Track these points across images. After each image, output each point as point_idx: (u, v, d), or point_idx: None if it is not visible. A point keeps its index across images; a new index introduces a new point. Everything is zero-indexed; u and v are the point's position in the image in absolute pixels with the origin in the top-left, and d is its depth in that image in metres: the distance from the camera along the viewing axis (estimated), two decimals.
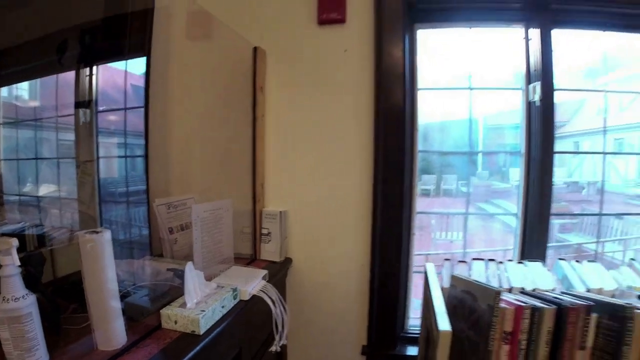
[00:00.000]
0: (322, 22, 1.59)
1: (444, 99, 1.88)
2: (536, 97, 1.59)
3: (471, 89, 1.77)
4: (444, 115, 2.10)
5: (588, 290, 1.18)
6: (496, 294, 0.95)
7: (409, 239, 1.73)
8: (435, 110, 1.99)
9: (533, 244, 1.65)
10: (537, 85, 1.60)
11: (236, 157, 1.70)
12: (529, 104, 1.63)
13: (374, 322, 1.68)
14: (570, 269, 1.31)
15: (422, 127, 1.75)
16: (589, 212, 5.11)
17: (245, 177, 1.65)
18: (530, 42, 1.69)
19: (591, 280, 1.23)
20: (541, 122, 1.59)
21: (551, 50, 1.66)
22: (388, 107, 1.56)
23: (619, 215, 4.42)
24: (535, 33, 1.67)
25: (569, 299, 1.04)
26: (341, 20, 1.58)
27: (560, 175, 6.95)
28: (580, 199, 6.57)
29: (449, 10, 1.66)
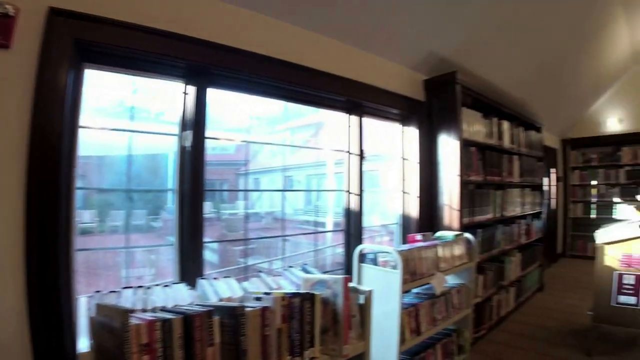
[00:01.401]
0: None
1: (110, 136, 2.02)
2: (188, 143, 1.95)
3: (133, 131, 1.98)
4: (113, 151, 2.22)
5: (220, 300, 1.55)
6: (124, 313, 1.15)
7: (70, 278, 1.74)
8: (106, 146, 2.11)
9: (189, 269, 1.98)
10: (190, 133, 1.97)
11: None
12: (182, 148, 1.98)
13: None
14: (209, 286, 1.67)
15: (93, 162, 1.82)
16: (266, 236, 6.15)
17: None
18: (187, 96, 2.06)
19: (224, 292, 1.62)
20: (191, 164, 1.95)
21: (205, 105, 2.09)
22: (43, 143, 1.55)
23: (288, 237, 5.61)
24: (192, 89, 2.06)
25: (196, 309, 1.35)
26: (5, 46, 1.48)
27: (244, 207, 8.10)
28: (260, 227, 7.88)
29: (118, 57, 1.82)
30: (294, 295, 1.51)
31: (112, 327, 1.22)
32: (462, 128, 3.37)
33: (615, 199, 7.58)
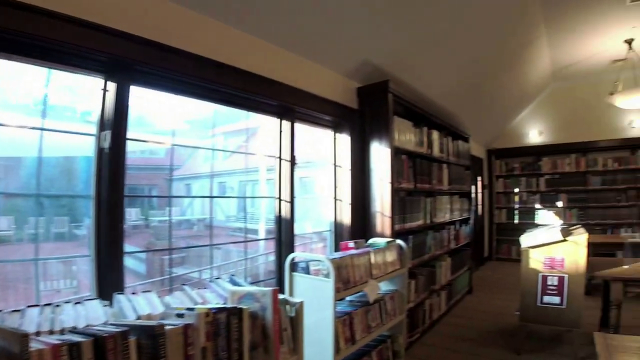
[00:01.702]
0: None
1: (19, 135, 1.83)
2: (106, 144, 1.82)
3: (44, 130, 1.81)
4: (23, 152, 2.03)
5: (138, 318, 1.43)
6: (22, 337, 1.03)
7: None
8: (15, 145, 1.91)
9: (108, 282, 1.83)
10: (108, 134, 1.83)
11: None
12: (101, 150, 1.84)
13: None
14: (127, 302, 1.55)
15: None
16: (194, 245, 5.94)
17: None
18: (107, 93, 1.92)
19: (143, 308, 1.51)
20: (110, 167, 1.82)
21: (127, 104, 1.96)
22: None
23: (219, 245, 5.45)
24: (112, 86, 1.92)
25: (110, 329, 1.23)
26: None
27: (174, 213, 7.80)
28: (191, 235, 7.61)
29: (28, 45, 1.64)
30: (220, 310, 1.42)
31: (10, 352, 1.09)
32: (394, 136, 3.46)
33: (537, 205, 8.21)
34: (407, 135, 3.74)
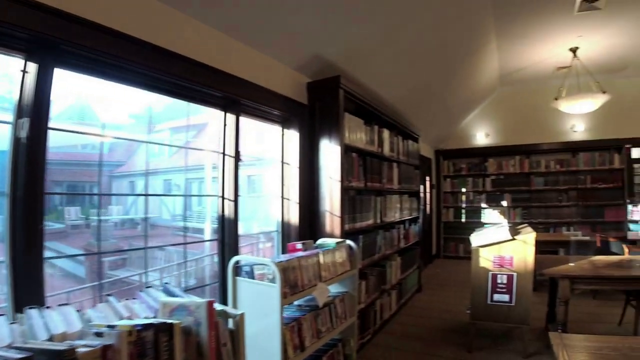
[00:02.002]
0: None
1: None
2: (23, 133, 1.62)
3: None
4: None
5: (51, 338, 1.22)
6: None
7: None
8: None
9: (25, 292, 1.62)
10: (26, 122, 1.63)
11: None
12: (17, 140, 1.63)
13: None
14: (39, 318, 1.33)
15: None
16: (136, 247, 5.64)
17: None
18: (27, 75, 1.71)
19: (57, 326, 1.29)
20: (28, 160, 1.62)
21: (50, 88, 1.75)
22: None
23: (163, 246, 5.20)
24: (33, 67, 1.71)
25: (10, 355, 1.02)
26: None
27: (118, 212, 7.40)
28: (135, 234, 7.23)
29: None
30: (146, 327, 1.23)
31: None
32: (345, 134, 3.41)
33: (483, 205, 8.51)
34: (357, 134, 3.71)
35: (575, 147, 7.94)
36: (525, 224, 4.15)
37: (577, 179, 7.91)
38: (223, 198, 2.81)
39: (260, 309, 2.12)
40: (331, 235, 3.27)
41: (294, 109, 3.34)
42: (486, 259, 3.49)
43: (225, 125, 2.82)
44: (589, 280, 3.32)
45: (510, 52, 6.18)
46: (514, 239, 3.39)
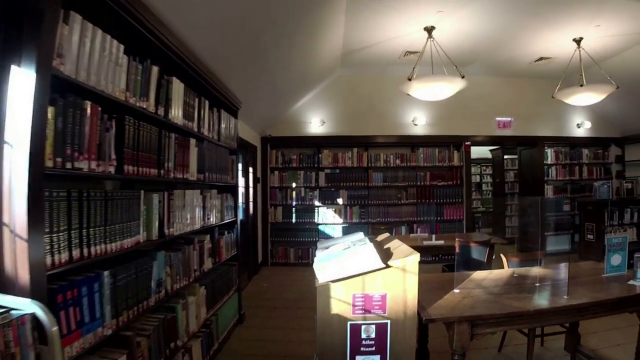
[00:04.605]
0: None
1: None
2: None
3: None
4: None
5: None
6: None
7: None
8: None
9: None
10: None
11: None
12: None
13: None
14: None
15: None
16: None
17: None
18: None
19: None
20: None
21: None
22: None
23: None
24: None
25: None
26: None
27: None
28: None
29: None
30: None
31: None
32: (58, 52, 1.54)
33: (316, 203, 7.34)
34: (105, 68, 1.86)
35: (415, 142, 7.52)
36: (386, 232, 2.89)
37: (417, 175, 7.41)
38: None
39: None
40: (11, 283, 1.39)
41: None
42: (341, 301, 2.02)
43: None
44: (499, 320, 2.18)
45: (358, 24, 5.08)
46: (387, 267, 2.00)
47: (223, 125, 3.74)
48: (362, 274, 1.94)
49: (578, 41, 5.53)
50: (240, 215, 5.46)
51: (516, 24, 5.11)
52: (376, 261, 1.93)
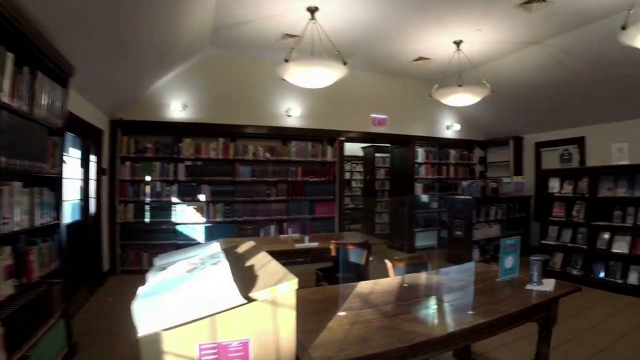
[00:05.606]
0: None
1: None
2: None
3: None
4: None
5: None
6: None
7: None
8: None
9: None
10: None
11: None
12: None
13: None
14: None
15: None
16: None
17: None
18: None
19: None
20: None
21: None
22: None
23: None
24: None
25: None
26: None
27: None
28: None
29: None
30: None
31: None
32: None
33: (174, 199, 6.37)
34: None
35: (288, 135, 7.04)
36: (252, 242, 2.27)
37: (288, 170, 6.93)
38: None
39: None
40: None
41: None
42: (180, 357, 1.31)
43: None
44: (402, 355, 1.72)
45: None
46: (248, 301, 1.35)
47: (43, 96, 2.72)
48: (210, 315, 1.27)
49: (458, 43, 5.59)
50: (72, 216, 4.35)
51: (400, 16, 4.93)
52: (232, 294, 1.27)
